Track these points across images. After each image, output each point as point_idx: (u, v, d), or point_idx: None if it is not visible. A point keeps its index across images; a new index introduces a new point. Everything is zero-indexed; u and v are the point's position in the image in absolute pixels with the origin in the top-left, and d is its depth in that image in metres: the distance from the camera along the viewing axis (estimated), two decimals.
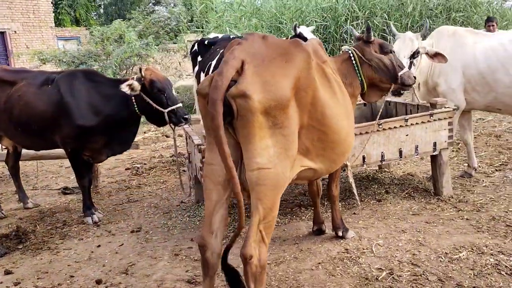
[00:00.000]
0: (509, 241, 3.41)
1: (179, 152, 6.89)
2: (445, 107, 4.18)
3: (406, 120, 4.01)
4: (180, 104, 4.21)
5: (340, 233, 3.63)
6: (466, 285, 2.87)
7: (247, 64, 2.26)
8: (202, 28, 14.10)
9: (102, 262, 3.66)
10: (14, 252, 3.99)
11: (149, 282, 3.26)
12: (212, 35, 6.32)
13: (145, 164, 6.72)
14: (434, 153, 4.23)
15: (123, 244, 3.99)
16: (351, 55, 3.37)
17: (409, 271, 3.09)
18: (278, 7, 13.21)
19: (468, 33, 4.70)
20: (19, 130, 4.40)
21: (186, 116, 4.17)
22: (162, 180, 5.90)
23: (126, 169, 6.55)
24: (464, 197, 4.34)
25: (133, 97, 4.11)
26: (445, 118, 4.15)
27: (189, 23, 12.52)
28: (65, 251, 3.94)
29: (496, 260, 3.14)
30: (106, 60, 9.87)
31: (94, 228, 4.41)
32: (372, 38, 3.37)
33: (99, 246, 3.99)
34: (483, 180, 4.79)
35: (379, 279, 3.02)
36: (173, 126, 4.24)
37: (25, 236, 4.20)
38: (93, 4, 30.72)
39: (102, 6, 35.14)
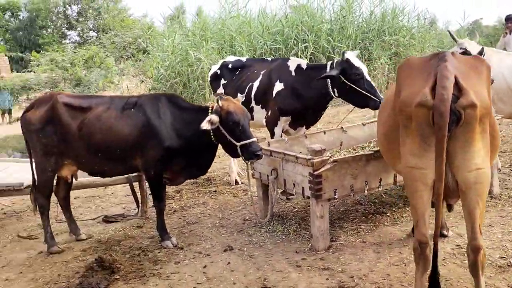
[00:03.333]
0: None
1: None
2: None
3: None
4: (254, 139, 4.14)
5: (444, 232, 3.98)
6: None
7: (459, 79, 2.58)
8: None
9: (228, 281, 3.65)
10: (115, 282, 3.81)
11: None
12: (232, 58, 6.45)
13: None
14: None
15: (229, 262, 3.99)
16: None
17: None
18: (234, 31, 13.67)
19: None
20: (99, 156, 4.23)
21: (258, 153, 4.09)
22: (200, 202, 5.86)
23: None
24: None
25: None
26: None
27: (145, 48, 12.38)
28: (174, 275, 3.85)
29: None
30: (77, 86, 9.49)
31: (179, 251, 4.33)
32: None
33: (205, 266, 3.95)
34: None
35: None
36: (246, 161, 4.30)
37: (113, 266, 3.99)
38: None
39: (9, 32, 32.94)
